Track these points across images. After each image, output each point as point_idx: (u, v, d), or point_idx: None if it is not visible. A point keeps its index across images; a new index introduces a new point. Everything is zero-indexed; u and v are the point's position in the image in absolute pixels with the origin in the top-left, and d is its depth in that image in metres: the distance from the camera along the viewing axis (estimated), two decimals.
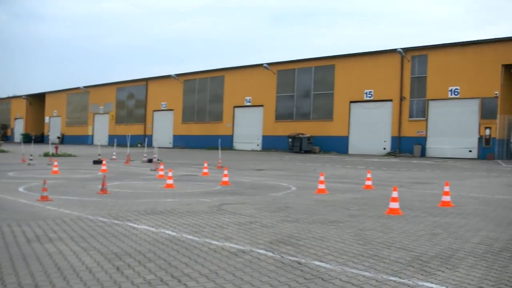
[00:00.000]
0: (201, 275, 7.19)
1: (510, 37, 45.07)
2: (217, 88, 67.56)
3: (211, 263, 7.83)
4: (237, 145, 64.53)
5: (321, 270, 7.61)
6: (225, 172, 20.75)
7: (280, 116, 60.38)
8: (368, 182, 19.58)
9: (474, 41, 47.10)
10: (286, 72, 60.24)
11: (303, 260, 8.14)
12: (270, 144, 60.25)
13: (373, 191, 18.37)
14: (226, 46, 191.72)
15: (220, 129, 65.85)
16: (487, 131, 44.75)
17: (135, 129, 76.83)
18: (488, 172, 29.83)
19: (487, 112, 44.97)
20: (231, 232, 10.33)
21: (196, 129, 69.57)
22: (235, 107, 65.43)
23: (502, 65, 44.08)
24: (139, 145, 68.40)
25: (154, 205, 13.84)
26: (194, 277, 7.09)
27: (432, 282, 7.02)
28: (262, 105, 62.08)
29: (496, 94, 44.11)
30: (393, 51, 50.31)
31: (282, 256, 8.39)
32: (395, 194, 13.23)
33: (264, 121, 61.77)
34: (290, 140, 54.42)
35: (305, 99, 58.34)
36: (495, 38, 45.81)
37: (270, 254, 8.56)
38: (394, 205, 13.12)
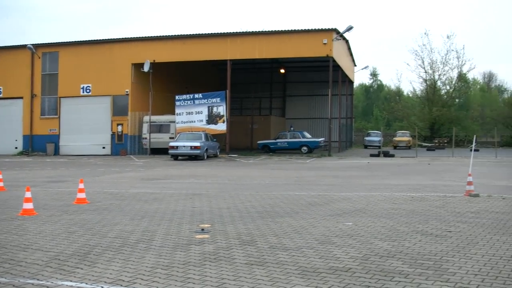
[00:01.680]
0: None
1: (138, 37, 46.96)
2: None
3: None
4: None
5: None
6: None
7: None
8: (0, 184, 18.64)
9: (105, 39, 47.88)
10: None
11: None
12: None
13: (5, 193, 17.54)
14: None
15: None
16: (119, 128, 45.91)
17: None
18: (121, 168, 30.61)
19: (118, 109, 46.08)
20: None
21: None
22: None
23: (132, 64, 45.56)
24: None
25: None
26: None
27: (71, 281, 6.94)
28: None
29: (126, 92, 45.45)
30: (23, 47, 48.65)
31: None
32: (28, 194, 12.81)
33: None
34: None
35: None
36: (124, 38, 47.23)
37: None
38: (28, 205, 12.70)
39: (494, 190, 17.39)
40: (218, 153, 41.82)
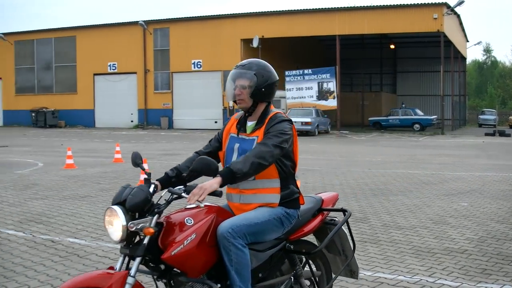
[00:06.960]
0: None
1: (246, 13, 47.34)
2: None
3: None
4: None
5: (76, 246, 7.41)
6: None
7: (21, 90, 57.13)
8: (118, 155, 19.34)
9: (213, 15, 48.59)
10: (25, 43, 57.11)
11: (57, 238, 7.87)
12: (12, 119, 56.70)
13: (123, 164, 18.20)
14: None
15: None
16: (230, 103, 46.46)
17: None
18: None
19: None
20: None
21: None
22: None
23: (241, 39, 45.93)
24: None
25: None
26: None
27: None
28: (0, 78, 58.37)
29: None
30: (135, 23, 49.88)
31: (33, 235, 8.02)
32: (145, 166, 13.17)
33: (3, 95, 58.17)
34: (33, 114, 51.94)
35: (47, 71, 55.91)
36: (232, 14, 47.80)
37: (20, 234, 8.14)
38: (143, 177, 13.05)
39: None
40: (329, 129, 41.68)
